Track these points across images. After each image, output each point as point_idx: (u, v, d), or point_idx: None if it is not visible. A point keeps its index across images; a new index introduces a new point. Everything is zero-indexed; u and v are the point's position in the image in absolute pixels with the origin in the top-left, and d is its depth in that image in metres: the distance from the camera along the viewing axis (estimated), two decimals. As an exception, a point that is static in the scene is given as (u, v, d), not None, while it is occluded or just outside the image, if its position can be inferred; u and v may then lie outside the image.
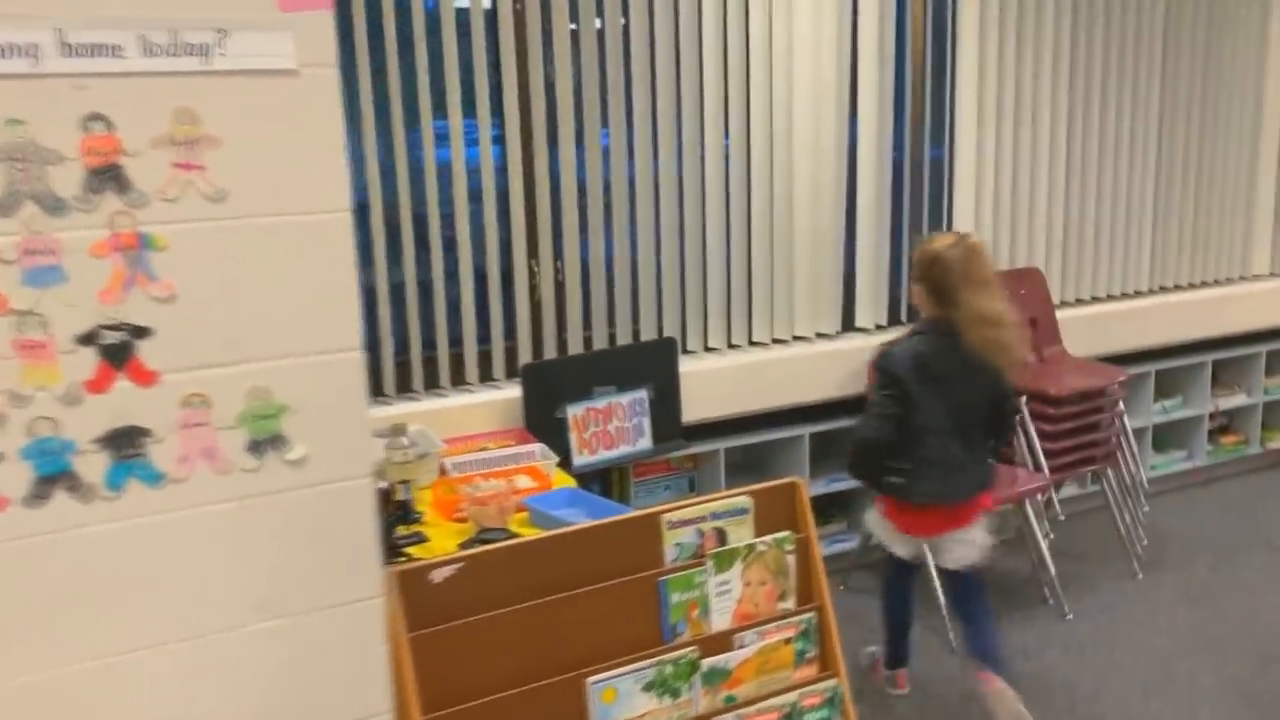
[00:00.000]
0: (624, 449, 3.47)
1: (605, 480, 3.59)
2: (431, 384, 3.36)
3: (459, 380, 3.40)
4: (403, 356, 3.31)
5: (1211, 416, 4.87)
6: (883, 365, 2.86)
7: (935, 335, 2.80)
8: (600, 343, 3.60)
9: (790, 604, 2.56)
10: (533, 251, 3.46)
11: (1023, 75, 4.14)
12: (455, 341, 3.39)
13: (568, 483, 2.92)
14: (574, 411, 3.35)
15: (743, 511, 2.53)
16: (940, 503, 2.87)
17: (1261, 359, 4.91)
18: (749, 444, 3.89)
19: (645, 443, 3.51)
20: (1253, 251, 4.90)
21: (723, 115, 3.65)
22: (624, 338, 3.64)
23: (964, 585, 3.02)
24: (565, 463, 3.29)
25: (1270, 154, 4.82)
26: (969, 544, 2.93)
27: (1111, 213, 4.46)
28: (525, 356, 3.47)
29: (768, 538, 2.53)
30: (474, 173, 3.33)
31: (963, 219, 4.12)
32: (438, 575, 2.19)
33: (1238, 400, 4.93)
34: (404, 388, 3.32)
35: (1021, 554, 4.01)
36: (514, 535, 2.52)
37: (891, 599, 3.24)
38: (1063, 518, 3.91)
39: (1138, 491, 4.11)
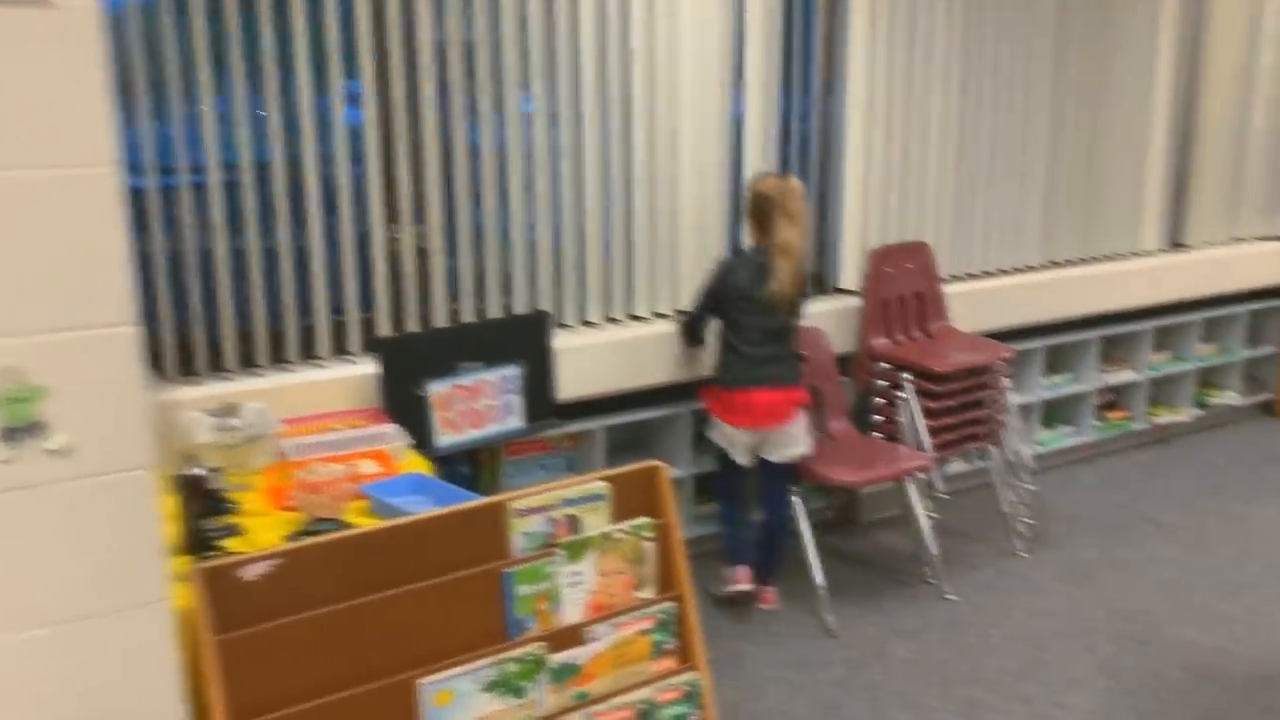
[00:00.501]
0: (492, 428, 3.28)
1: (474, 461, 3.41)
2: (278, 358, 3.13)
3: (310, 354, 3.18)
4: (246, 327, 3.07)
5: (1099, 393, 4.87)
6: (714, 271, 3.43)
7: (757, 255, 3.34)
8: (468, 316, 3.40)
9: (649, 593, 2.42)
10: (392, 216, 3.24)
11: (914, 49, 4.03)
12: (306, 312, 3.16)
13: (420, 467, 2.73)
14: (437, 389, 3.16)
15: (598, 497, 2.37)
16: (755, 387, 3.31)
17: (1149, 335, 4.93)
18: (630, 422, 3.74)
19: (516, 422, 3.33)
20: (1142, 228, 4.89)
21: (600, 79, 3.46)
22: (494, 311, 3.44)
23: (779, 476, 3.47)
24: (426, 443, 3.11)
25: (1160, 131, 4.80)
26: (793, 439, 3.39)
27: (1002, 187, 4.39)
28: (385, 330, 3.25)
29: (625, 524, 2.38)
30: (325, 131, 3.09)
31: (851, 192, 4.01)
32: (249, 572, 1.99)
33: (1125, 376, 4.94)
34: (247, 362, 3.08)
35: (904, 531, 3.95)
36: (347, 526, 2.32)
37: (725, 500, 3.59)
38: (946, 496, 3.85)
39: (1022, 469, 4.07)
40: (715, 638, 3.36)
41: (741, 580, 3.55)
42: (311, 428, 2.92)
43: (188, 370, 3.00)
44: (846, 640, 3.37)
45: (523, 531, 2.28)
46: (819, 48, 3.96)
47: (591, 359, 3.54)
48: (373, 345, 3.15)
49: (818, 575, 3.50)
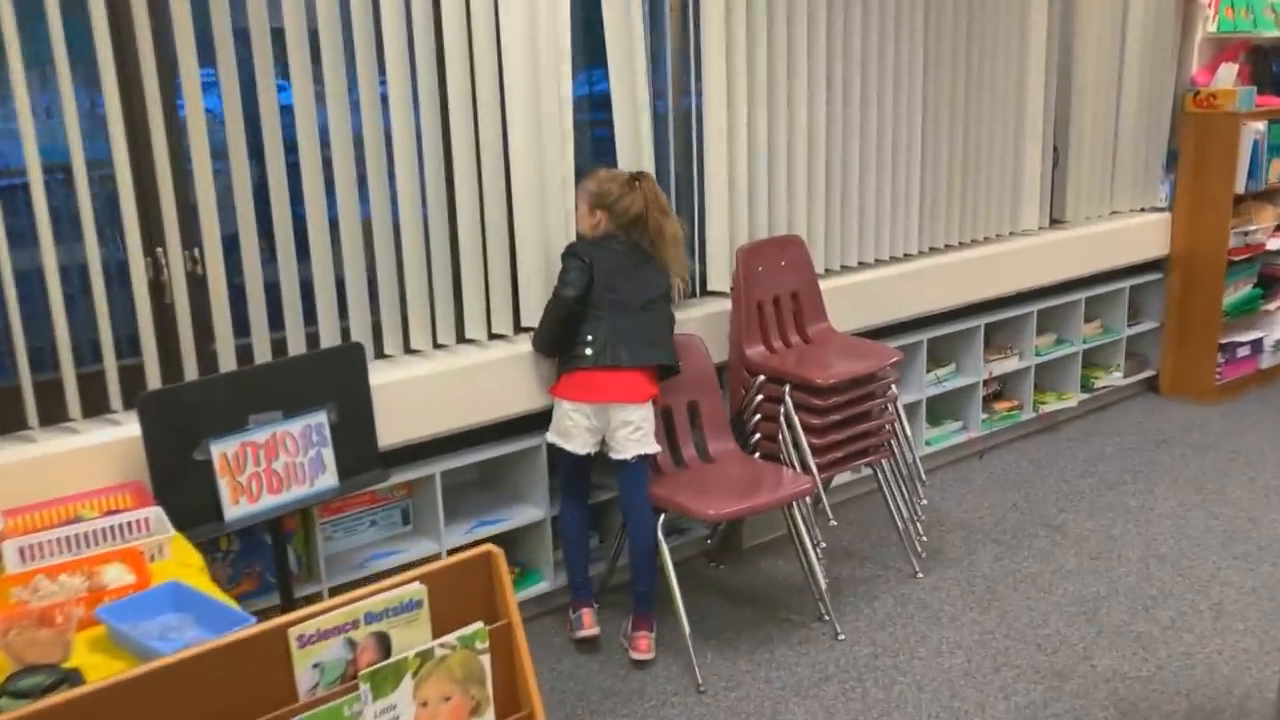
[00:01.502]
0: (299, 491, 2.69)
1: (278, 528, 2.80)
2: (12, 424, 2.47)
3: (53, 416, 2.52)
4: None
5: (985, 383, 4.56)
6: (569, 250, 3.08)
7: (611, 242, 3.07)
8: (264, 354, 2.79)
9: (488, 718, 1.90)
10: (154, 238, 2.61)
11: (775, 29, 3.56)
12: (47, 361, 2.51)
13: (184, 565, 2.14)
14: (222, 449, 2.55)
15: (413, 605, 1.83)
16: (616, 365, 2.99)
17: (1033, 319, 4.64)
18: (477, 461, 3.20)
19: (329, 479, 2.75)
20: (1022, 207, 4.57)
21: (408, 54, 2.89)
22: (296, 346, 2.85)
23: (632, 476, 3.07)
24: (213, 518, 2.50)
25: (1036, 105, 4.48)
26: (639, 430, 3.02)
27: (876, 172, 3.98)
28: (155, 379, 2.62)
29: (451, 636, 1.85)
30: (53, 139, 2.44)
31: (715, 181, 3.52)
32: (-104, 783, 1.39)
33: (1011, 364, 4.65)
34: (-32, 434, 2.42)
35: (793, 556, 3.52)
36: (71, 675, 1.72)
37: (566, 515, 3.19)
38: (834, 522, 3.43)
39: (914, 480, 3.69)
40: (583, 713, 2.88)
41: (586, 625, 3.20)
42: (50, 518, 2.28)
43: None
44: (735, 704, 2.92)
45: (312, 663, 1.72)
46: (669, 18, 3.47)
47: (420, 393, 2.98)
48: (133, 401, 2.51)
49: (686, 624, 3.04)
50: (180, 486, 2.46)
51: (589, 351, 2.99)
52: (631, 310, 3.04)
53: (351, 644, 1.75)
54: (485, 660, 1.88)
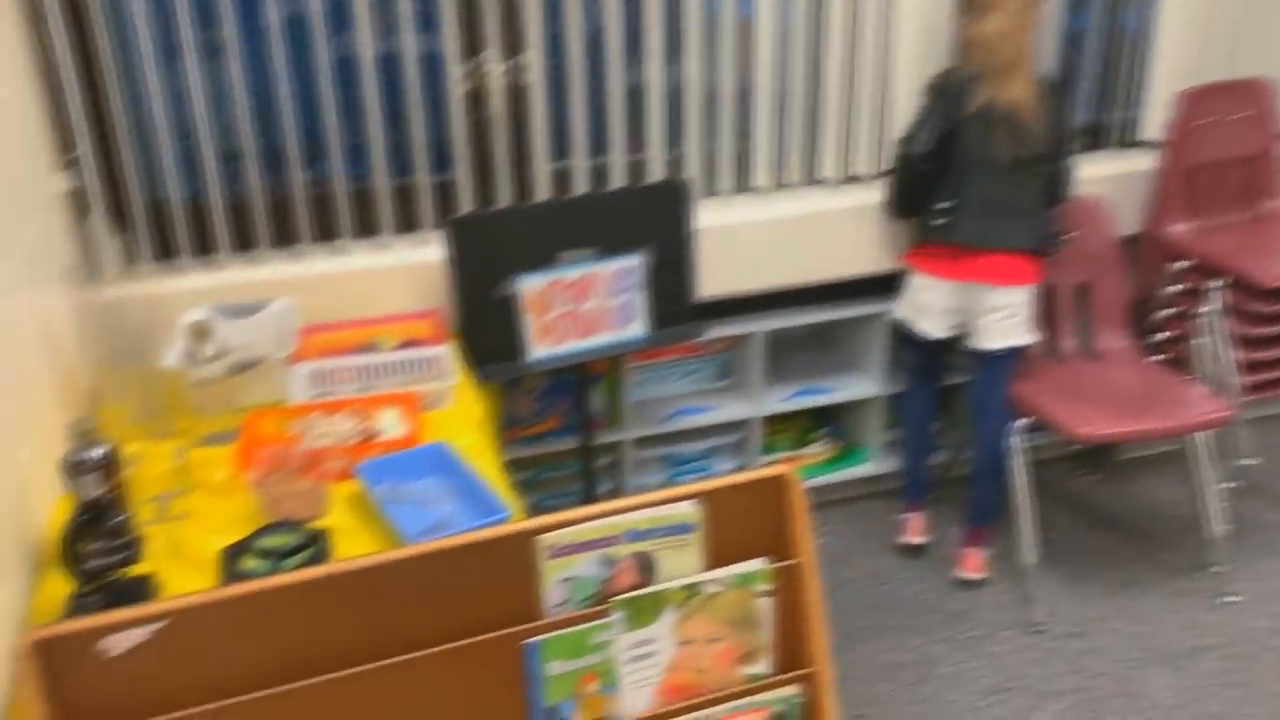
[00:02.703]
0: (604, 338, 2.44)
1: (585, 372, 2.59)
2: (327, 233, 2.37)
3: (367, 229, 2.40)
4: (280, 190, 2.31)
5: None
6: (931, 84, 2.48)
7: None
8: (581, 181, 2.51)
9: (761, 668, 1.58)
10: (473, 44, 2.34)
11: None
12: (361, 172, 2.37)
13: (471, 409, 1.95)
14: (530, 285, 2.32)
15: (684, 529, 1.51)
16: (979, 247, 2.46)
17: None
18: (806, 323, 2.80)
19: (638, 329, 2.47)
20: None
21: None
22: (619, 175, 2.53)
23: (993, 370, 2.56)
24: (515, 356, 2.32)
25: None
26: (1012, 318, 2.49)
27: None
28: (467, 199, 2.42)
29: (727, 572, 1.52)
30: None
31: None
32: (114, 644, 1.30)
33: None
34: (285, 238, 2.34)
35: (1181, 481, 2.86)
36: (317, 539, 1.58)
37: (909, 401, 2.79)
38: (1252, 461, 2.71)
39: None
40: (894, 629, 2.52)
41: (912, 532, 2.83)
42: (346, 340, 2.18)
43: (173, 250, 2.28)
44: (1077, 656, 2.42)
45: (563, 577, 1.47)
46: None
47: (753, 242, 2.59)
48: (443, 224, 2.33)
49: (1031, 546, 2.54)
50: (482, 321, 2.28)
51: (942, 222, 2.47)
52: (1001, 172, 2.44)
53: (608, 562, 1.47)
54: (766, 605, 1.54)
